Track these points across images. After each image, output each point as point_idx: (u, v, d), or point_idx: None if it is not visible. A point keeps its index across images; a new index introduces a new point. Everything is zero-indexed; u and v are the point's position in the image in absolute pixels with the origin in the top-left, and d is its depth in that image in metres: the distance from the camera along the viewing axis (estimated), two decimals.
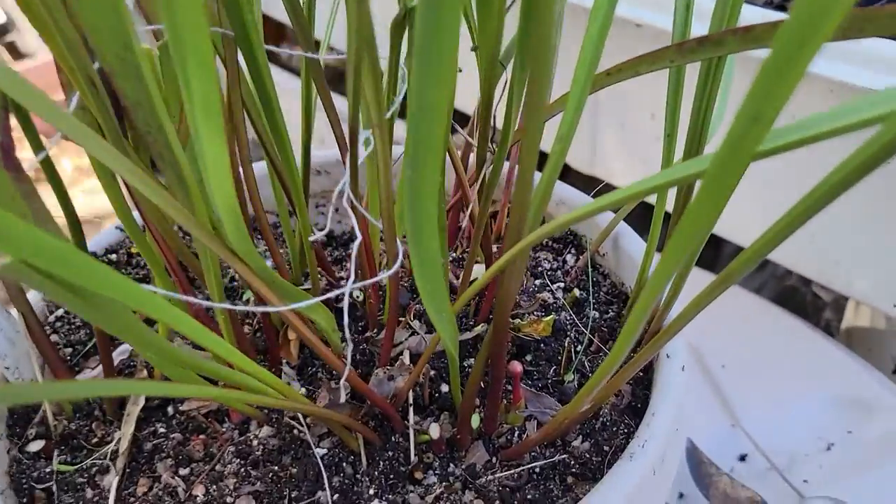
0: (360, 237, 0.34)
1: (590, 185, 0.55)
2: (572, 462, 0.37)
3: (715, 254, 1.06)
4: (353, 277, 0.33)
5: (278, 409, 0.38)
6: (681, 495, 0.62)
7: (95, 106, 0.30)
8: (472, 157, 0.47)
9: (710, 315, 0.77)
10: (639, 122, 0.78)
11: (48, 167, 0.35)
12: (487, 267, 0.45)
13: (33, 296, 0.47)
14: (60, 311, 0.48)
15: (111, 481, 0.38)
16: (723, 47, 0.31)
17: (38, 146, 0.34)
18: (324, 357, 0.35)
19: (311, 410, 0.34)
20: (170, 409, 0.42)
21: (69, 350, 0.45)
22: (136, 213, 0.38)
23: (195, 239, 0.33)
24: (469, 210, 0.41)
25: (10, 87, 0.25)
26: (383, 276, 0.35)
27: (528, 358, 0.43)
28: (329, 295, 0.33)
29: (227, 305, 0.32)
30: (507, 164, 0.50)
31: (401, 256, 0.35)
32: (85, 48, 0.29)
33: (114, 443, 0.40)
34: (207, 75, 0.25)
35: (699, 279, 0.81)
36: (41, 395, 0.31)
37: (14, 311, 0.42)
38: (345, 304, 0.33)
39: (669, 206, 0.42)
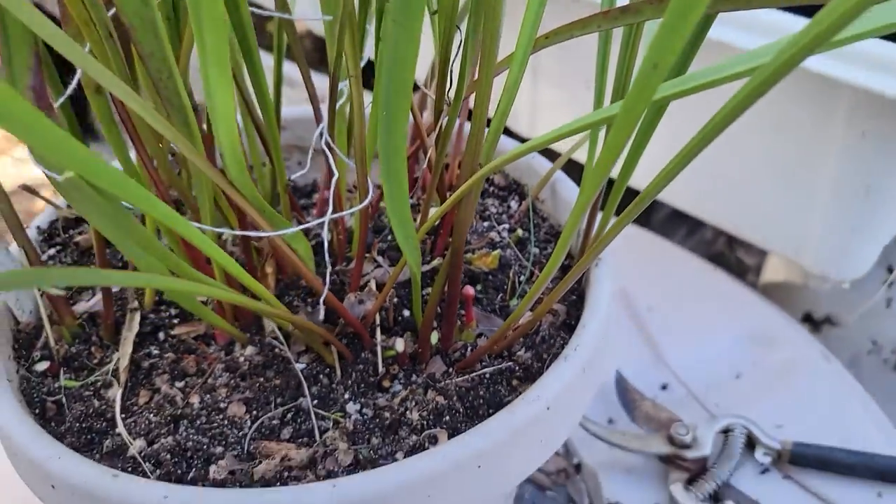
0: (336, 174, 0.40)
1: None
2: (517, 368, 0.44)
3: (647, 216, 1.15)
4: (331, 208, 0.39)
5: (269, 318, 0.43)
6: (610, 420, 0.71)
7: (111, 56, 0.34)
8: (426, 113, 0.53)
9: (640, 264, 0.86)
10: (574, 89, 0.85)
11: None
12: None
13: (32, 232, 0.51)
14: (52, 251, 0.52)
15: (115, 393, 0.43)
16: (641, 15, 0.38)
17: None
18: (306, 277, 0.40)
19: (296, 320, 0.39)
20: (161, 335, 0.47)
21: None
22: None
23: (193, 174, 0.39)
24: (427, 158, 0.47)
25: (38, 27, 0.30)
26: (357, 208, 0.40)
27: (479, 287, 0.50)
28: (312, 223, 0.39)
29: (223, 230, 0.37)
30: (456, 122, 0.56)
31: (371, 194, 0.41)
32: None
33: (113, 363, 0.45)
34: (220, 32, 0.30)
35: (634, 234, 0.89)
36: (53, 278, 0.36)
37: (13, 247, 0.46)
38: (324, 231, 0.39)
39: None
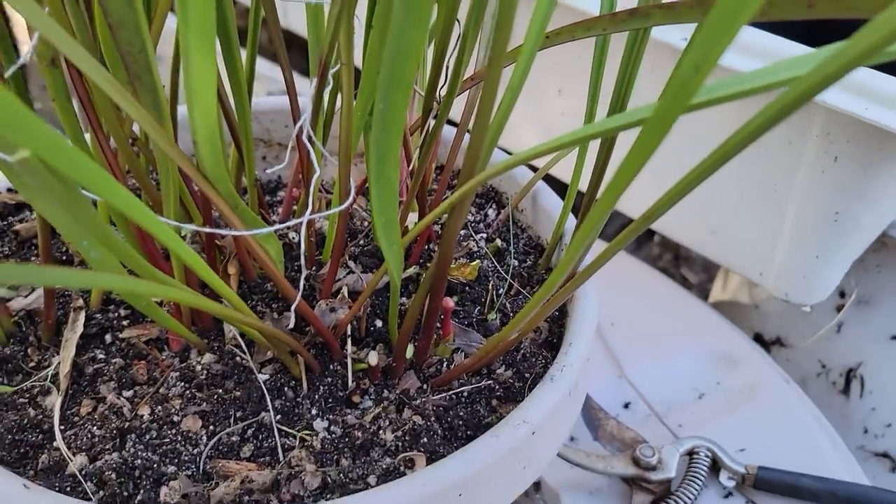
0: (318, 171, 0.36)
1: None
2: (497, 387, 0.42)
3: (610, 229, 1.15)
4: (310, 207, 0.36)
5: (233, 324, 0.40)
6: (572, 438, 0.69)
7: (75, 23, 0.30)
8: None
9: (603, 278, 0.84)
10: (546, 96, 0.83)
11: None
12: (421, 216, 0.48)
13: None
14: None
15: (54, 402, 0.38)
16: (650, 19, 0.36)
17: None
18: (277, 282, 0.37)
19: (264, 328, 0.36)
20: (108, 337, 0.43)
21: None
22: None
23: (159, 161, 0.35)
24: (411, 162, 0.44)
25: None
26: (338, 209, 0.37)
27: (456, 299, 0.47)
28: (289, 224, 0.35)
29: (187, 225, 0.33)
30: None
31: (352, 195, 0.38)
32: None
33: (52, 367, 0.40)
34: None
35: (596, 247, 0.87)
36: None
37: None
38: (302, 232, 0.35)
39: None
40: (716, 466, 0.64)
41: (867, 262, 0.86)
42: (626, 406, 0.72)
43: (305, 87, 0.53)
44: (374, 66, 0.35)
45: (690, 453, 0.64)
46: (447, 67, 0.37)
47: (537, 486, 0.67)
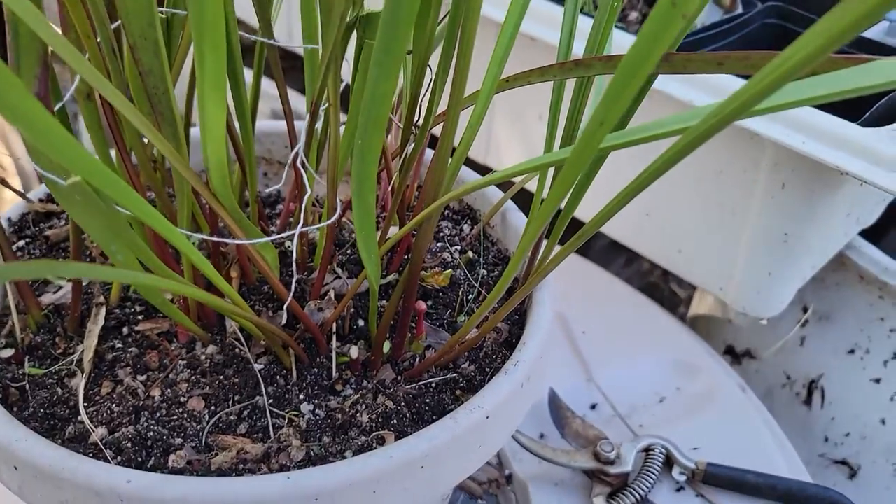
0: (309, 191, 0.43)
1: (484, 172, 0.66)
2: (461, 380, 0.48)
3: (588, 244, 1.21)
4: (301, 222, 0.42)
5: (234, 317, 0.46)
6: (542, 435, 0.75)
7: (112, 70, 0.37)
8: (391, 137, 0.57)
9: (578, 291, 0.91)
10: (528, 121, 0.90)
11: None
12: (401, 229, 0.55)
13: (2, 223, 0.52)
14: (22, 242, 0.53)
15: (78, 383, 0.45)
16: (591, 69, 0.42)
17: None
18: (272, 284, 0.43)
19: (260, 322, 0.42)
20: (125, 330, 0.49)
21: None
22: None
23: (176, 182, 0.41)
24: (392, 183, 0.51)
25: (46, 35, 0.32)
26: (324, 224, 0.44)
27: (430, 303, 0.53)
28: (283, 235, 0.42)
29: (197, 234, 0.40)
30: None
31: (338, 212, 0.45)
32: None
33: (77, 354, 0.47)
34: (219, 55, 0.33)
35: (574, 263, 0.94)
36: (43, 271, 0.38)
37: None
38: (294, 242, 0.42)
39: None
40: (669, 462, 0.70)
41: (827, 281, 0.92)
42: (593, 407, 0.78)
43: (303, 105, 0.58)
44: (358, 103, 0.42)
45: (647, 450, 0.70)
46: (420, 106, 0.44)
47: (509, 478, 0.73)
